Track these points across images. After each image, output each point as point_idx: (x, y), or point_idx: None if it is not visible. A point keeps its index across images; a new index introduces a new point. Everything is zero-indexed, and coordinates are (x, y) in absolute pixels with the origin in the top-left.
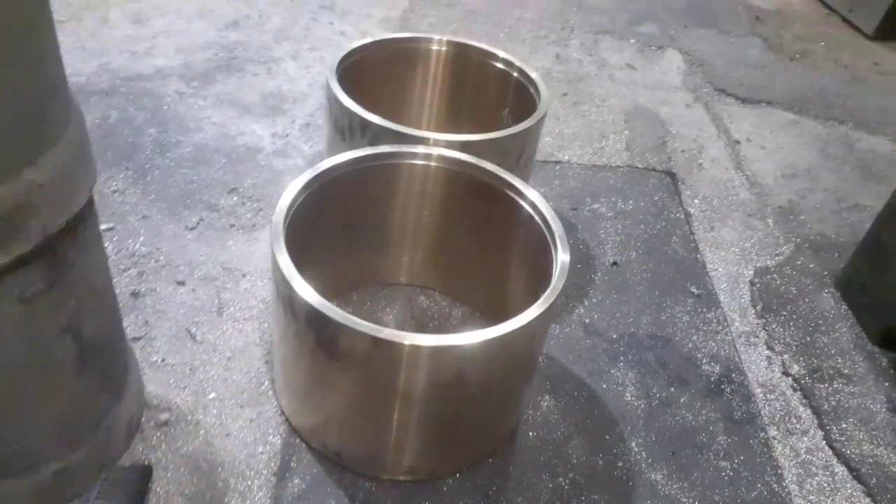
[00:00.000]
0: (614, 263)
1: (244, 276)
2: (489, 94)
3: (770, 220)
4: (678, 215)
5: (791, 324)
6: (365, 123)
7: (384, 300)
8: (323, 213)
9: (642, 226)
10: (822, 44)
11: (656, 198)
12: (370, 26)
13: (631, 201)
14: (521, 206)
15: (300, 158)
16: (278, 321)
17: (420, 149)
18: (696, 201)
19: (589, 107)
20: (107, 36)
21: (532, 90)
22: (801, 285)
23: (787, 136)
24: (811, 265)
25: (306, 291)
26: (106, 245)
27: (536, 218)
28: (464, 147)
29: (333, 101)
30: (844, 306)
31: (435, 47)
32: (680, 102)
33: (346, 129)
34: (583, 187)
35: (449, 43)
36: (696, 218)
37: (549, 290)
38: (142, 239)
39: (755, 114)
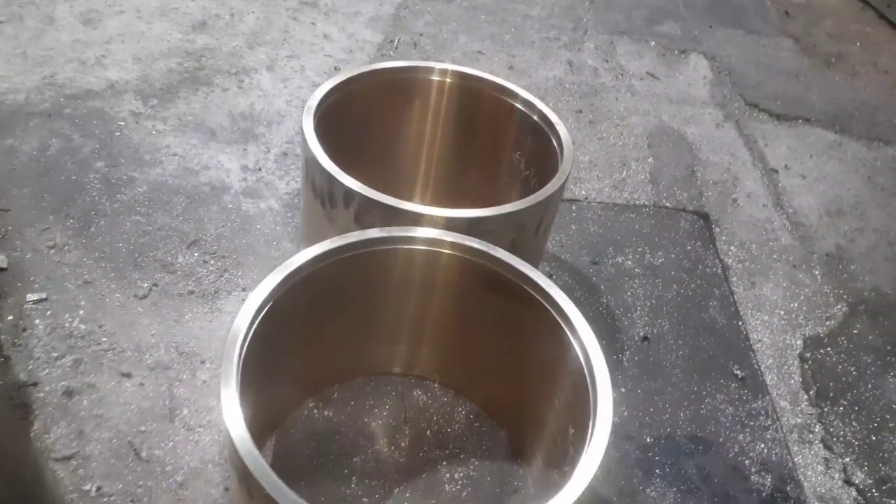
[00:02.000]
0: (645, 339)
1: (203, 362)
2: (502, 139)
3: (817, 272)
4: (714, 269)
5: (852, 417)
6: (349, 193)
7: (371, 396)
8: (298, 308)
9: (675, 285)
10: (858, 44)
11: (689, 247)
12: (358, 27)
13: (660, 252)
14: (552, 317)
15: (274, 200)
16: (234, 488)
17: (420, 232)
18: (732, 249)
19: (607, 126)
20: (52, 40)
21: (553, 139)
22: (861, 364)
23: (829, 162)
24: (870, 336)
25: (264, 476)
26: (37, 322)
27: (575, 344)
28: (471, 226)
29: (311, 162)
30: None
31: (436, 78)
32: (709, 121)
33: (326, 197)
34: (604, 233)
35: (454, 74)
36: (734, 271)
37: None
38: (82, 313)
39: (792, 134)
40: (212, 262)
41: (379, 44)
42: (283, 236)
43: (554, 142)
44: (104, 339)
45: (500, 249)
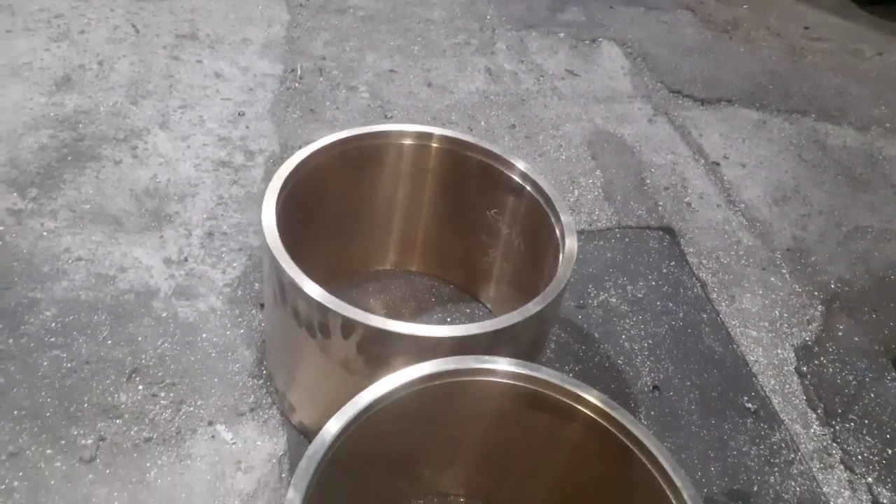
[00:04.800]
0: (655, 388)
1: None
2: (479, 199)
3: (785, 271)
4: (695, 290)
5: (864, 431)
6: (349, 323)
7: None
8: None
9: (664, 317)
10: (746, 7)
11: (665, 270)
12: (251, 57)
13: (641, 282)
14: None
15: (214, 296)
16: None
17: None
18: (703, 262)
19: (544, 139)
20: None
21: (549, 212)
22: (857, 370)
23: (761, 144)
24: (855, 338)
25: None
26: None
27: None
28: (496, 336)
29: (291, 287)
30: None
31: (408, 142)
32: (640, 117)
33: (317, 327)
34: (579, 268)
35: (420, 136)
36: (712, 287)
37: None
38: (17, 497)
39: (720, 118)
40: (161, 393)
41: (280, 76)
42: (236, 342)
43: (549, 213)
44: None
45: (543, 369)
